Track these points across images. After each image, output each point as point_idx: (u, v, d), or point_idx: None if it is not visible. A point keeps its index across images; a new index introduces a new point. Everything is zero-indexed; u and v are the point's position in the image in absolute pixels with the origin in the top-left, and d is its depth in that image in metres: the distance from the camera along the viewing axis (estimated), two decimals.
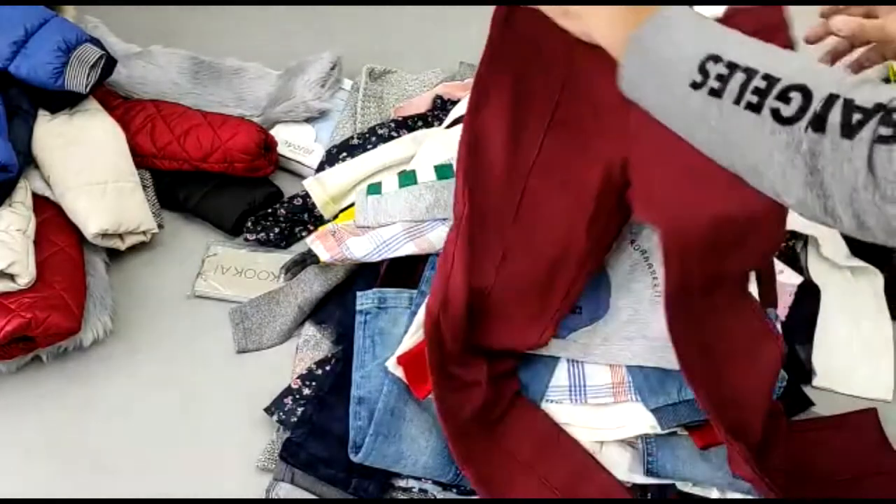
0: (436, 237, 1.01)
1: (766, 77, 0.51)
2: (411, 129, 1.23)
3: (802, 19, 0.82)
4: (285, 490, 0.92)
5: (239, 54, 1.38)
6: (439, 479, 0.90)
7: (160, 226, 1.16)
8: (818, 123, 0.48)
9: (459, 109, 1.20)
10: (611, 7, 0.61)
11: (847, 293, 1.08)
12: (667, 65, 0.56)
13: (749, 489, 0.89)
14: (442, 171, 1.07)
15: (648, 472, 0.88)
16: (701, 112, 0.54)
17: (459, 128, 1.14)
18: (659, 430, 0.91)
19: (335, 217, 1.13)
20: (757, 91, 0.51)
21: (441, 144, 1.13)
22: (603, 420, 0.94)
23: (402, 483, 0.92)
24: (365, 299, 0.98)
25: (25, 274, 0.98)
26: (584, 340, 0.96)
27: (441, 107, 1.26)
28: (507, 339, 0.94)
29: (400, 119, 1.25)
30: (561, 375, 0.96)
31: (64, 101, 1.14)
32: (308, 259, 1.09)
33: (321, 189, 1.14)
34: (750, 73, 0.52)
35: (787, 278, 1.07)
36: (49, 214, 1.08)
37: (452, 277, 0.90)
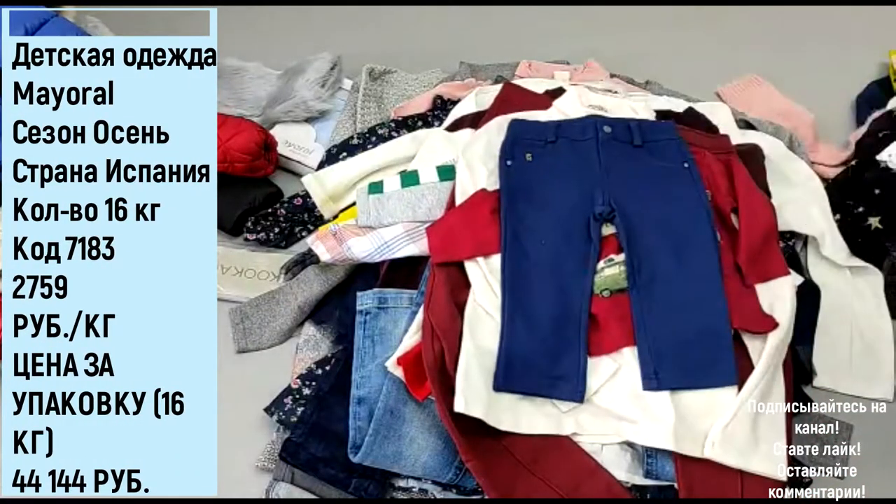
0: None
1: None
2: (411, 129, 1.23)
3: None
4: (285, 490, 0.92)
5: (239, 54, 1.38)
6: (438, 479, 0.90)
7: None
8: None
9: (459, 109, 1.20)
10: None
11: (847, 293, 1.08)
12: None
13: None
14: (444, 173, 1.07)
15: (647, 475, 0.88)
16: None
17: (462, 131, 1.15)
18: None
19: (335, 217, 1.13)
20: None
21: (443, 145, 1.13)
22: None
23: (402, 483, 0.92)
24: (365, 299, 0.98)
25: None
26: None
27: (441, 107, 1.26)
28: None
29: (400, 119, 1.25)
30: None
31: None
32: (308, 259, 1.09)
33: (320, 187, 1.14)
34: None
35: None
36: None
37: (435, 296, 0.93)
